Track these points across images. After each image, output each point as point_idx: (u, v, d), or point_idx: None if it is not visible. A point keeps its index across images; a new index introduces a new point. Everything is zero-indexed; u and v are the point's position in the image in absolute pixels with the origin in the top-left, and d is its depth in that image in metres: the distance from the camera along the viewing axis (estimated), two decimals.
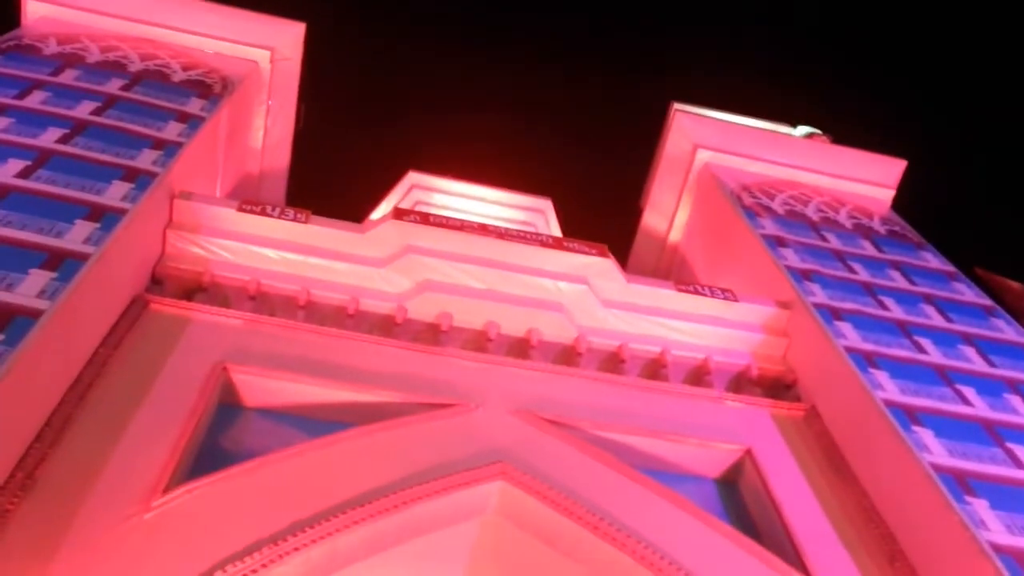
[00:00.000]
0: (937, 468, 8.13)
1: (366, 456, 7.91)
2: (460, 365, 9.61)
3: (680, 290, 11.35)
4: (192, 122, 11.15)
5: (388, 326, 10.21)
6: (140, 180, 9.51)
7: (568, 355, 10.62)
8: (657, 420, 9.48)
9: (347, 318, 10.12)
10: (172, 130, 10.81)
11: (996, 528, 7.48)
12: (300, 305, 10.08)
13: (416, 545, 7.93)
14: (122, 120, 10.64)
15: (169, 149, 10.34)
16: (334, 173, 21.55)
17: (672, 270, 15.64)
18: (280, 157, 15.17)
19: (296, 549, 6.84)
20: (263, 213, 10.46)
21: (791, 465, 9.29)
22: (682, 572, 7.35)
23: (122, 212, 8.85)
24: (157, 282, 9.97)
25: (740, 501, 9.18)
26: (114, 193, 9.14)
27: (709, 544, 7.87)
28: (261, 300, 10.15)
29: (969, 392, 9.53)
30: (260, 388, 8.78)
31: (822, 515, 8.63)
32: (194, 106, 11.59)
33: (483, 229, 11.06)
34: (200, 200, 10.45)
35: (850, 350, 9.94)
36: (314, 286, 10.22)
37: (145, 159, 9.96)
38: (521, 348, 10.42)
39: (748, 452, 9.33)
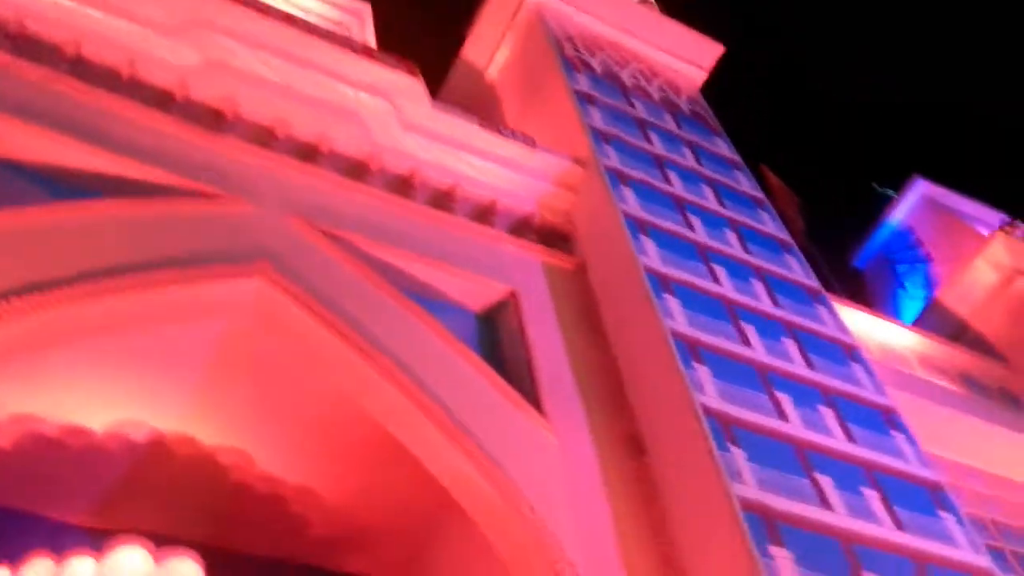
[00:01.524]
0: (676, 335, 8.74)
1: (116, 230, 7.41)
2: (238, 157, 9.08)
3: (483, 127, 11.23)
4: None
5: (165, 101, 9.40)
6: None
7: (358, 170, 10.31)
8: (432, 249, 9.52)
9: (120, 83, 9.22)
10: None
11: (711, 393, 8.21)
12: (67, 58, 9.04)
13: (159, 332, 7.66)
14: None
15: None
16: None
17: (482, 107, 15.43)
18: None
19: (30, 309, 6.40)
20: None
21: (550, 312, 9.70)
22: (426, 393, 7.57)
23: None
24: None
25: (496, 338, 9.51)
26: None
27: (457, 372, 8.14)
28: (24, 43, 8.99)
29: (721, 272, 10.23)
30: (7, 137, 7.89)
31: (567, 363, 9.13)
32: None
33: (289, 19, 10.28)
34: None
35: (628, 216, 10.32)
36: (87, 40, 9.17)
37: None
38: (309, 153, 9.98)
39: (513, 294, 9.62)
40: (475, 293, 9.64)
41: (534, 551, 6.89)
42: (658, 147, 12.34)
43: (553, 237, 11.16)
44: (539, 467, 7.58)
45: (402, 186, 10.50)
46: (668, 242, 10.24)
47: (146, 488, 8.65)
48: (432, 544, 9.55)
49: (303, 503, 9.44)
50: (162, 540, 6.97)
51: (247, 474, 9.09)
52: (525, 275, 10.05)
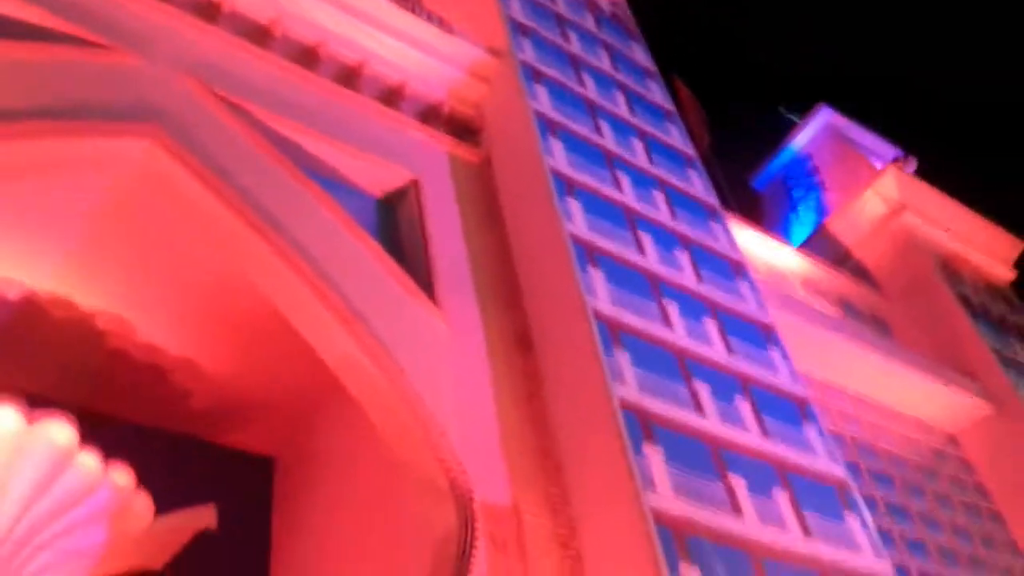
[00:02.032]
0: (574, 238, 8.79)
1: None
2: (131, 7, 8.45)
3: (398, 5, 10.78)
4: None
5: None
6: None
7: (261, 35, 9.77)
8: (335, 127, 9.21)
9: None
10: None
11: (604, 298, 8.35)
12: None
13: (35, 187, 7.22)
14: None
15: None
16: None
17: None
18: None
19: None
20: None
21: (451, 204, 9.59)
22: (318, 274, 7.43)
23: None
24: None
25: (394, 225, 9.38)
26: None
27: (352, 255, 8.00)
28: None
29: (625, 181, 10.28)
30: None
31: (464, 255, 9.10)
32: None
33: None
34: None
35: (539, 114, 10.19)
36: None
37: None
38: (209, 10, 9.37)
39: (415, 182, 9.46)
40: (377, 177, 9.42)
41: (418, 436, 6.97)
42: (576, 46, 12.16)
43: (461, 128, 10.94)
44: (428, 355, 7.61)
45: (307, 58, 10.02)
46: (576, 145, 10.19)
47: (19, 348, 8.32)
48: (315, 424, 9.57)
49: (184, 374, 9.28)
50: (36, 401, 6.74)
51: (126, 341, 8.83)
52: (429, 164, 9.87)
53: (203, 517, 8.26)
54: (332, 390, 8.10)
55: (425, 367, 7.42)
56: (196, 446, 9.65)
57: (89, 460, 6.99)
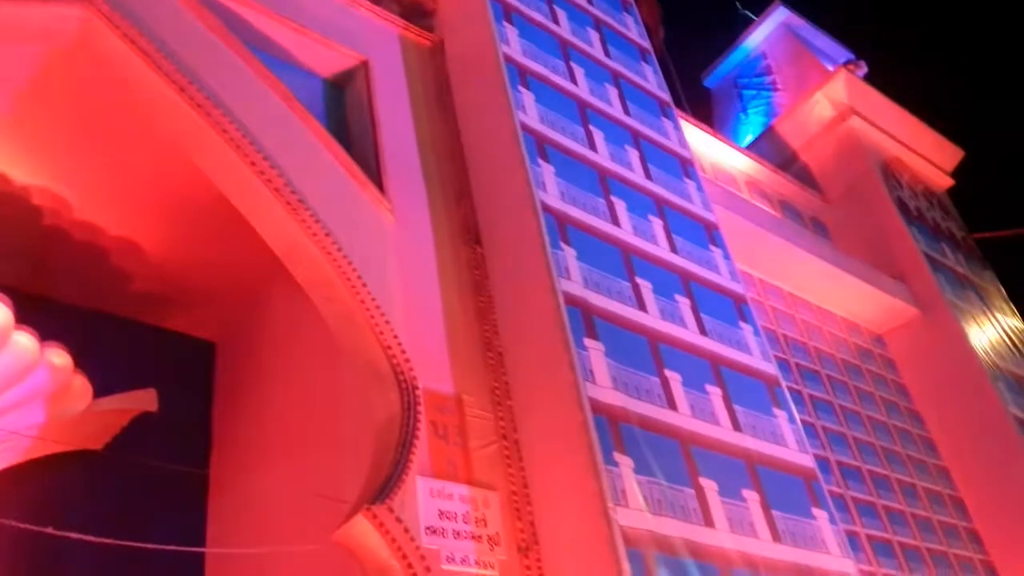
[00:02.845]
0: (525, 129, 8.69)
1: None
2: None
3: None
4: None
5: None
6: None
7: None
8: (284, 4, 8.81)
9: None
10: None
11: (552, 192, 8.34)
12: None
13: None
14: None
15: None
16: None
17: None
18: None
19: None
20: None
21: (402, 88, 9.36)
22: (263, 155, 7.24)
23: None
24: None
25: (342, 108, 9.15)
26: None
27: (298, 138, 7.80)
28: None
29: (579, 72, 10.13)
30: None
31: (413, 142, 8.94)
32: None
33: None
34: None
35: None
36: None
37: None
38: None
39: (365, 64, 9.19)
40: (325, 58, 9.12)
41: (363, 323, 6.99)
42: None
43: (413, 9, 10.56)
44: (375, 244, 7.57)
45: None
46: (530, 32, 9.95)
47: None
48: (258, 310, 9.55)
49: (124, 256, 9.12)
50: None
51: (63, 219, 8.60)
52: (380, 45, 9.56)
53: (143, 400, 8.28)
54: (276, 276, 8.05)
55: (371, 255, 7.38)
56: (136, 329, 9.59)
57: (25, 340, 6.90)
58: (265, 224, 7.34)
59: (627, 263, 8.53)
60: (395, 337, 6.98)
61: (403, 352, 6.94)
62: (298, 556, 6.87)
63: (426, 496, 6.41)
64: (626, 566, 6.00)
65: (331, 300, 7.05)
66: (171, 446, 8.63)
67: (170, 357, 9.67)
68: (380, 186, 8.15)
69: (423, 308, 7.58)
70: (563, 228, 8.13)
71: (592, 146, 9.41)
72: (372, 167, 8.32)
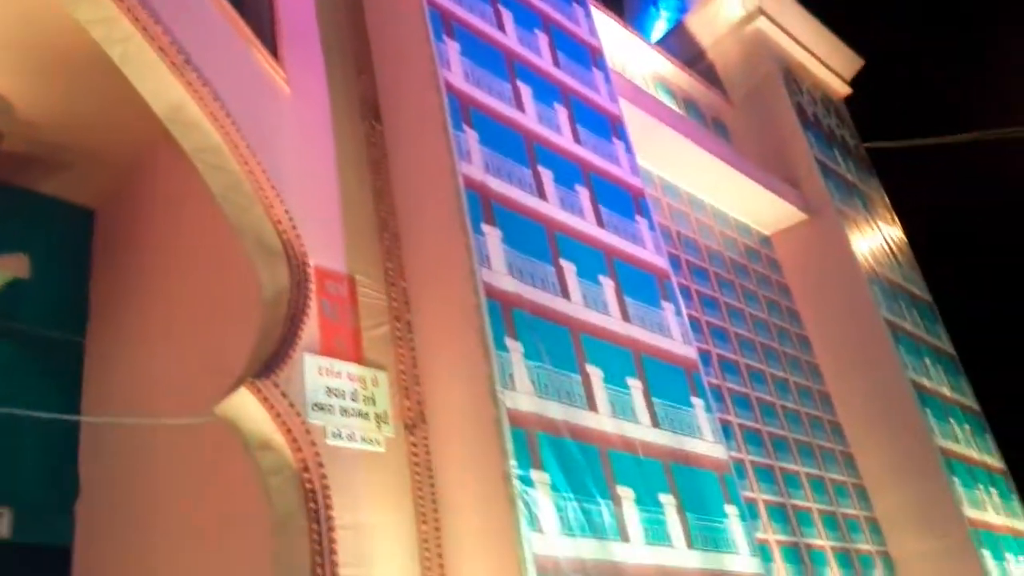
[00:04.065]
0: (432, 3, 8.35)
1: None
2: None
3: None
4: None
5: None
6: None
7: None
8: None
9: None
10: None
11: (457, 71, 8.10)
12: None
13: None
14: None
15: None
16: None
17: None
18: None
19: None
20: None
21: None
22: (147, 12, 6.72)
23: None
24: None
25: None
26: None
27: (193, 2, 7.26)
28: None
29: None
30: None
31: (312, 11, 8.48)
32: None
33: None
34: None
35: None
36: None
37: None
38: None
39: None
40: None
41: (251, 195, 6.73)
42: None
43: None
44: (267, 113, 7.22)
45: None
46: None
47: None
48: (140, 177, 9.11)
49: None
50: None
51: None
52: None
53: (14, 265, 7.88)
54: (159, 141, 7.64)
55: (263, 125, 7.05)
56: (7, 192, 9.04)
57: None
58: (147, 84, 6.87)
59: (529, 150, 8.43)
60: (286, 212, 6.75)
61: (294, 228, 6.74)
62: (179, 430, 6.77)
63: (313, 373, 6.35)
64: (510, 444, 6.14)
65: (218, 169, 6.73)
66: (45, 314, 8.29)
67: (45, 223, 9.19)
68: (275, 53, 7.72)
69: (317, 183, 7.35)
70: (466, 110, 7.94)
71: (501, 27, 9.14)
72: (267, 33, 7.85)
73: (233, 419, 5.99)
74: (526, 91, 8.84)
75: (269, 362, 6.05)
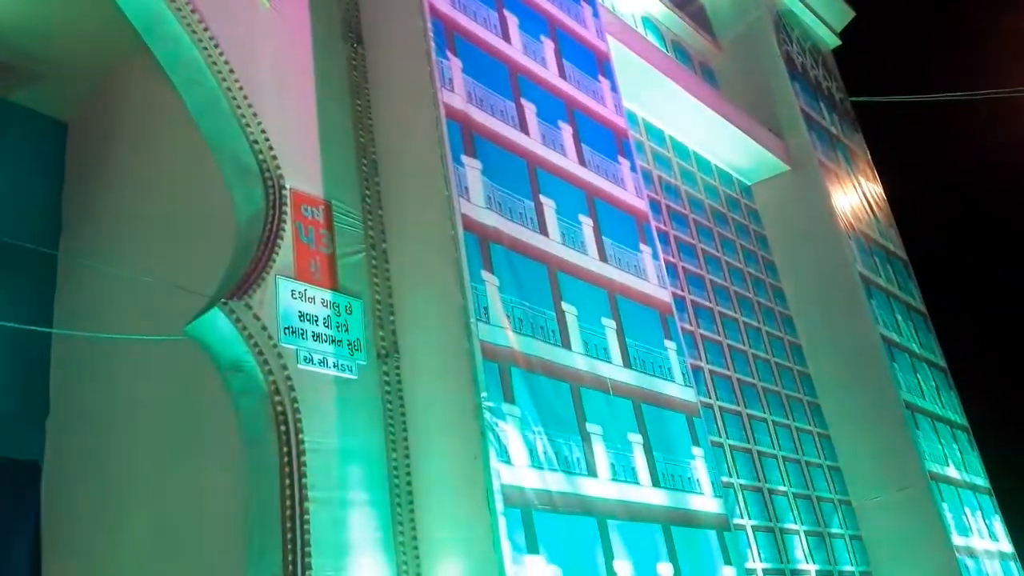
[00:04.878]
0: None
1: None
2: None
3: None
4: None
5: None
6: None
7: None
8: None
9: None
10: None
11: None
12: None
13: None
14: None
15: None
16: None
17: None
18: None
19: None
20: None
21: None
22: None
23: None
24: None
25: None
26: None
27: None
28: None
29: None
30: None
31: None
32: None
33: None
34: None
35: None
36: None
37: None
38: None
39: None
40: None
41: (228, 114, 6.57)
42: None
43: None
44: (245, 29, 7.00)
45: None
46: None
47: None
48: (114, 91, 8.90)
49: None
50: None
51: None
52: None
53: None
54: (135, 54, 7.42)
55: (241, 41, 6.85)
56: None
57: None
58: None
59: (514, 82, 8.29)
60: (263, 132, 6.61)
61: (271, 148, 6.60)
62: (150, 348, 6.71)
63: (287, 296, 6.28)
64: (482, 377, 6.14)
65: (195, 83, 6.54)
66: (18, 225, 8.13)
67: (18, 134, 8.98)
68: None
69: (296, 105, 7.18)
70: (451, 36, 7.76)
71: None
72: None
73: (204, 339, 5.93)
74: (512, 21, 8.67)
75: (242, 283, 5.97)
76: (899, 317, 13.75)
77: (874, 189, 16.18)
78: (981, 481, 13.17)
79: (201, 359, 6.03)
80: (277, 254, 6.25)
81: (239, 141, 6.50)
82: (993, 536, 12.39)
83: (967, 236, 23.29)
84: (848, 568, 10.93)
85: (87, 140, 9.28)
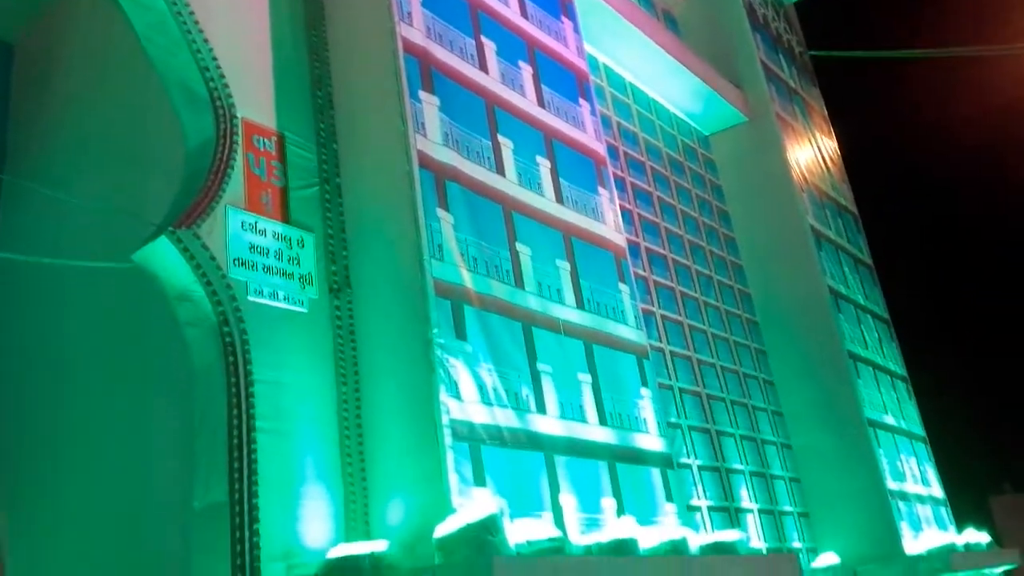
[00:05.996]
0: None
1: None
2: None
3: None
4: None
5: None
6: None
7: None
8: None
9: None
10: None
11: None
12: None
13: None
14: None
15: None
16: None
17: None
18: None
19: None
20: None
21: None
22: None
23: None
24: None
25: None
26: None
27: None
28: None
29: None
30: None
31: None
32: None
33: None
34: None
35: None
36: None
37: None
38: None
39: None
40: None
41: (178, 40, 6.40)
42: None
43: None
44: None
45: None
46: None
47: None
48: (60, 11, 8.60)
49: None
50: None
51: None
52: None
53: None
54: None
55: None
56: None
57: None
58: None
59: (474, 18, 8.18)
60: (214, 59, 6.45)
61: (222, 76, 6.46)
62: (97, 277, 6.60)
63: (236, 227, 6.20)
64: (434, 313, 6.15)
65: (142, 7, 6.35)
66: None
67: None
68: None
69: (249, 32, 7.02)
70: None
71: None
72: None
73: (151, 267, 5.85)
74: None
75: (190, 212, 5.88)
76: (846, 269, 14.02)
77: (829, 144, 16.35)
78: (917, 429, 13.61)
79: (149, 287, 5.95)
80: (227, 184, 6.16)
81: (188, 68, 6.35)
82: (926, 482, 12.85)
83: (918, 192, 23.70)
84: (787, 508, 11.28)
85: (33, 62, 8.97)
